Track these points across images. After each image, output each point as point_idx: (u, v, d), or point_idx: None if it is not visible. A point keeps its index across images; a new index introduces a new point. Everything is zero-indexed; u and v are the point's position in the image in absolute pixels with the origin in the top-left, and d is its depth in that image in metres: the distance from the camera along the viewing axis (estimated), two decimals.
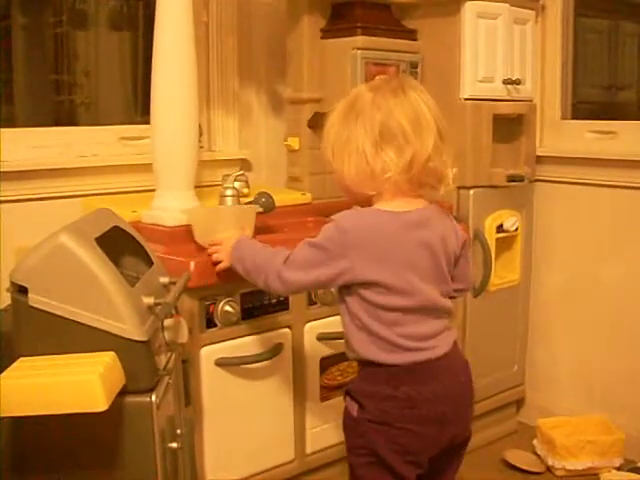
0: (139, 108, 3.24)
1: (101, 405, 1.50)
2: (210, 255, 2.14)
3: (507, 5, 2.92)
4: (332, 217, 1.79)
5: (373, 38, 2.82)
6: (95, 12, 3.32)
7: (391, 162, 1.71)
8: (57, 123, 3.01)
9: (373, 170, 1.73)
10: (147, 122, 2.46)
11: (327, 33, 2.90)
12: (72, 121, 3.22)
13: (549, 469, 2.92)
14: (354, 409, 1.82)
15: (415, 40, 2.97)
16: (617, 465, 2.83)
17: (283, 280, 1.82)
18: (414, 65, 2.92)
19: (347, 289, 1.79)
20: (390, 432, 1.76)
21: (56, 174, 2.63)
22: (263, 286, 1.90)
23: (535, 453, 3.00)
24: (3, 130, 2.57)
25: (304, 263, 1.80)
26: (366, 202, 1.81)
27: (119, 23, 3.37)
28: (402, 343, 1.76)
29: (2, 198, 2.52)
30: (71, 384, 1.52)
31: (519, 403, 3.37)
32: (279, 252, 1.88)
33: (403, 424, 1.76)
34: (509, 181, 2.96)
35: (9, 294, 1.66)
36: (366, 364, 1.82)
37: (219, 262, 2.11)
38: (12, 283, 1.64)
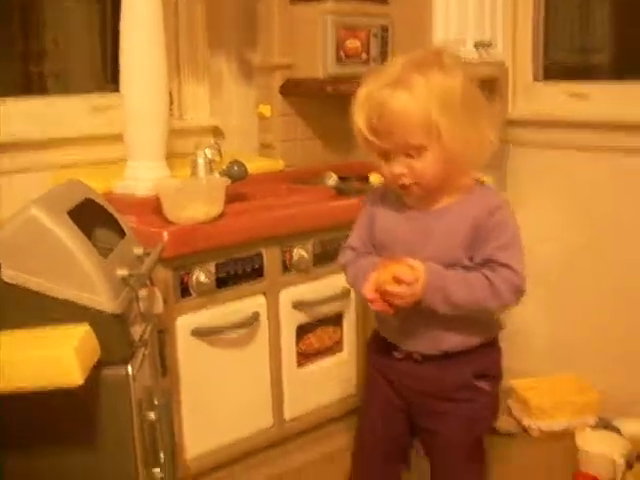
0: (109, 77, 3.21)
1: (77, 379, 1.50)
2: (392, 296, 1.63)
3: None
4: (495, 204, 1.68)
5: (343, 3, 2.81)
6: None
7: None
8: (26, 93, 2.96)
9: None
10: (117, 91, 2.44)
11: None
12: (42, 91, 3.18)
13: (525, 430, 2.95)
14: (486, 385, 1.80)
15: (386, 3, 2.95)
16: (592, 424, 2.85)
17: (522, 290, 1.68)
18: (385, 29, 2.90)
19: None
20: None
21: (25, 147, 2.60)
22: (496, 308, 1.71)
23: (510, 414, 3.03)
24: None
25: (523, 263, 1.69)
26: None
27: None
28: None
29: None
30: (46, 359, 1.51)
31: None
32: (485, 274, 1.65)
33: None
34: None
35: None
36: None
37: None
38: None
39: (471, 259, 1.66)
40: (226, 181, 2.32)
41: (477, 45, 2.93)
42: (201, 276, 2.24)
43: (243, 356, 2.38)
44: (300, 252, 2.45)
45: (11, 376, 1.50)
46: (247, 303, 2.37)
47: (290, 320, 2.47)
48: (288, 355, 2.50)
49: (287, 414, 2.54)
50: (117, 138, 2.51)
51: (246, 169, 2.46)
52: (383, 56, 2.92)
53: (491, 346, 1.81)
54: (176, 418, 2.20)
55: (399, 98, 1.55)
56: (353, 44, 2.84)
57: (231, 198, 2.33)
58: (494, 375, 1.83)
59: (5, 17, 3.02)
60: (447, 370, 1.75)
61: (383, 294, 1.61)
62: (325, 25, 2.75)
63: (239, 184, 2.43)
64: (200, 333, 2.26)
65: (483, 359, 1.78)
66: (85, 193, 1.89)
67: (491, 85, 3.05)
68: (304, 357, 2.53)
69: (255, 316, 2.37)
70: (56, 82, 3.25)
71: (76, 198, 1.82)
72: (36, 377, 1.50)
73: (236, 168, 2.46)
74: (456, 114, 1.57)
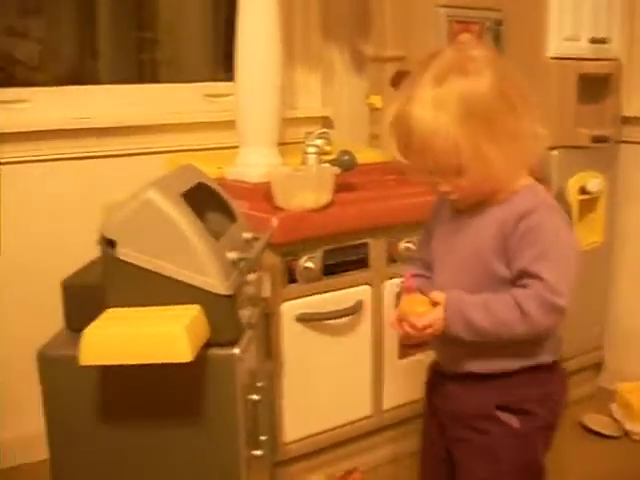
0: (221, 65, 3.27)
1: (187, 356, 1.55)
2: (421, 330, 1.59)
3: None
4: (528, 208, 1.52)
5: None
6: None
7: None
8: (140, 80, 3.05)
9: None
10: (230, 79, 2.49)
11: None
12: (155, 78, 3.26)
13: (627, 433, 2.90)
14: (513, 421, 1.60)
15: None
16: None
17: (558, 308, 1.48)
18: (498, 23, 2.87)
19: None
20: (549, 434, 1.67)
21: (140, 131, 2.68)
22: (528, 332, 1.51)
23: (613, 417, 2.98)
24: (89, 87, 2.62)
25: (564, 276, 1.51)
26: None
27: None
28: None
29: (87, 154, 2.59)
30: (158, 335, 1.56)
31: (598, 367, 3.34)
32: (513, 293, 1.50)
33: (557, 421, 1.67)
34: (594, 142, 2.91)
35: (99, 247, 1.70)
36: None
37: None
38: (101, 236, 1.68)
39: (510, 268, 1.52)
40: (336, 170, 2.34)
41: (592, 41, 2.89)
42: (308, 263, 2.27)
43: (346, 344, 2.40)
44: (406, 244, 2.46)
45: (123, 351, 1.55)
46: (352, 292, 2.39)
47: (394, 311, 2.47)
48: (390, 345, 2.51)
49: (386, 404, 2.56)
50: (230, 125, 2.56)
51: (355, 159, 2.48)
52: (497, 50, 2.89)
53: (536, 374, 1.60)
54: (278, 401, 2.25)
55: (419, 119, 1.44)
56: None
57: (340, 187, 2.35)
58: (534, 411, 1.60)
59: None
60: (470, 393, 1.64)
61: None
62: (438, 17, 2.74)
63: (348, 174, 2.45)
64: (305, 319, 2.29)
65: (517, 389, 1.60)
66: (198, 177, 1.94)
67: (605, 82, 3.00)
68: (406, 348, 2.54)
69: (359, 305, 2.39)
70: (168, 69, 3.33)
71: (190, 182, 1.86)
72: (147, 353, 1.55)
73: (346, 158, 2.47)
74: (482, 123, 1.44)
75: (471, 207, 1.58)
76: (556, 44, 2.81)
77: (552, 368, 1.63)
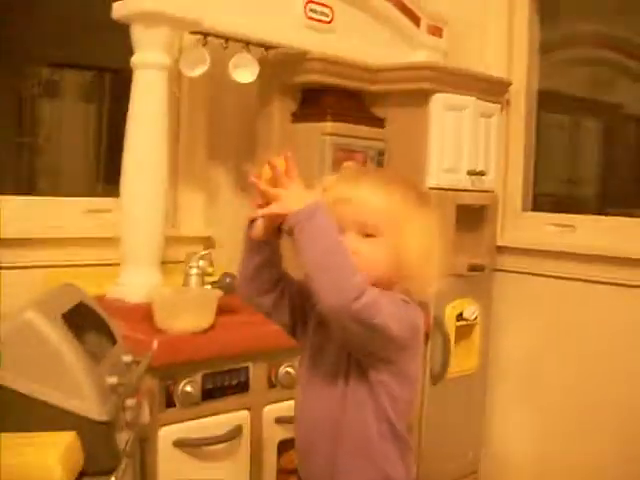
0: (101, 179, 3.25)
1: None
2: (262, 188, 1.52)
3: (473, 98, 2.99)
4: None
5: (342, 124, 2.87)
6: (63, 81, 3.33)
7: None
8: (17, 190, 2.98)
9: None
10: (109, 194, 2.47)
11: (297, 117, 2.94)
12: (32, 188, 3.19)
13: None
14: None
15: (383, 128, 3.02)
16: None
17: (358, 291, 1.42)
18: (381, 153, 2.96)
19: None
20: None
21: (19, 243, 2.61)
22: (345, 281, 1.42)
23: None
24: None
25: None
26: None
27: (86, 94, 3.39)
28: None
29: None
30: (29, 465, 1.49)
31: None
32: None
33: None
34: (470, 270, 3.00)
35: None
36: None
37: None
38: None
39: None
40: (218, 293, 2.33)
41: (470, 173, 3.00)
42: (187, 387, 2.22)
43: (224, 469, 2.34)
44: (286, 369, 2.44)
45: None
46: (231, 416, 2.34)
47: (273, 435, 2.45)
48: (269, 471, 2.46)
49: None
50: (110, 242, 2.53)
51: None
52: None
53: None
54: None
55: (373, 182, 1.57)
56: None
57: (222, 310, 2.34)
58: None
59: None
60: None
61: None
62: (324, 145, 2.81)
63: (230, 296, 2.44)
64: (182, 444, 2.23)
65: None
66: (79, 297, 1.90)
67: (481, 212, 3.11)
68: (284, 473, 2.49)
69: (238, 430, 2.34)
70: (46, 180, 3.28)
71: (70, 302, 1.83)
72: None
73: (228, 280, 2.47)
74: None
75: None
76: (436, 175, 2.91)
77: None
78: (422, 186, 1.62)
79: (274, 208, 1.49)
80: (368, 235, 1.55)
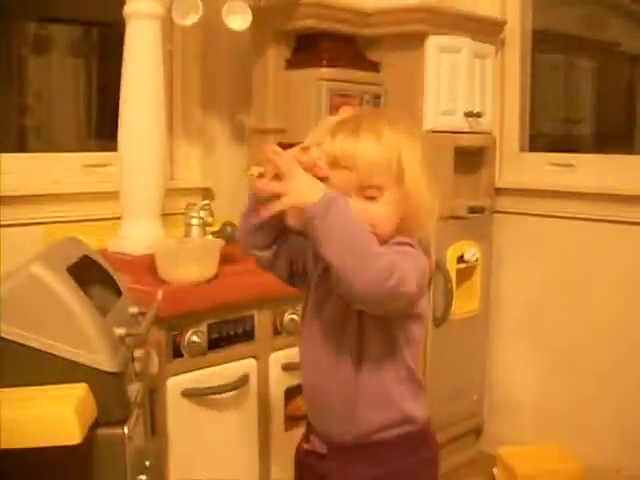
0: (93, 135, 3.22)
1: (75, 438, 1.48)
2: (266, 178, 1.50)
3: (468, 40, 2.97)
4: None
5: (338, 70, 2.85)
6: (51, 36, 3.29)
7: None
8: (8, 148, 2.95)
9: None
10: (102, 149, 2.45)
11: (292, 64, 2.92)
12: (23, 146, 3.17)
13: None
14: None
15: (378, 72, 3.00)
16: None
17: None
18: (377, 97, 2.95)
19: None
20: None
21: (17, 201, 2.59)
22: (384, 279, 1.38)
23: None
24: None
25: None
26: None
27: (75, 49, 3.34)
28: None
29: None
30: (45, 418, 1.50)
31: (478, 432, 3.39)
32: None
33: None
34: (470, 212, 3.00)
35: None
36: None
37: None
38: None
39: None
40: (220, 243, 2.33)
41: (467, 115, 2.99)
42: (193, 337, 2.23)
43: (232, 418, 2.36)
44: (291, 316, 2.45)
45: (10, 434, 1.48)
46: (237, 365, 2.36)
47: (279, 383, 2.46)
48: (276, 418, 2.48)
49: (274, 476, 2.52)
50: (109, 196, 2.52)
51: None
52: None
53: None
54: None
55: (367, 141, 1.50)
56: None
57: (224, 259, 2.33)
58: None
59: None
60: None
61: None
62: (320, 91, 2.79)
63: (232, 246, 2.44)
64: (190, 394, 2.24)
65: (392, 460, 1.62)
66: (83, 250, 1.89)
67: (480, 154, 3.10)
68: (292, 420, 2.51)
69: (245, 378, 2.36)
70: (37, 137, 3.25)
71: (74, 255, 1.82)
72: (35, 436, 1.48)
73: (229, 230, 2.47)
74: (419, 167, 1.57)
75: None
76: (433, 118, 2.90)
77: (425, 432, 1.65)
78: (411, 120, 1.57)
79: (287, 202, 1.44)
80: (372, 197, 1.53)
